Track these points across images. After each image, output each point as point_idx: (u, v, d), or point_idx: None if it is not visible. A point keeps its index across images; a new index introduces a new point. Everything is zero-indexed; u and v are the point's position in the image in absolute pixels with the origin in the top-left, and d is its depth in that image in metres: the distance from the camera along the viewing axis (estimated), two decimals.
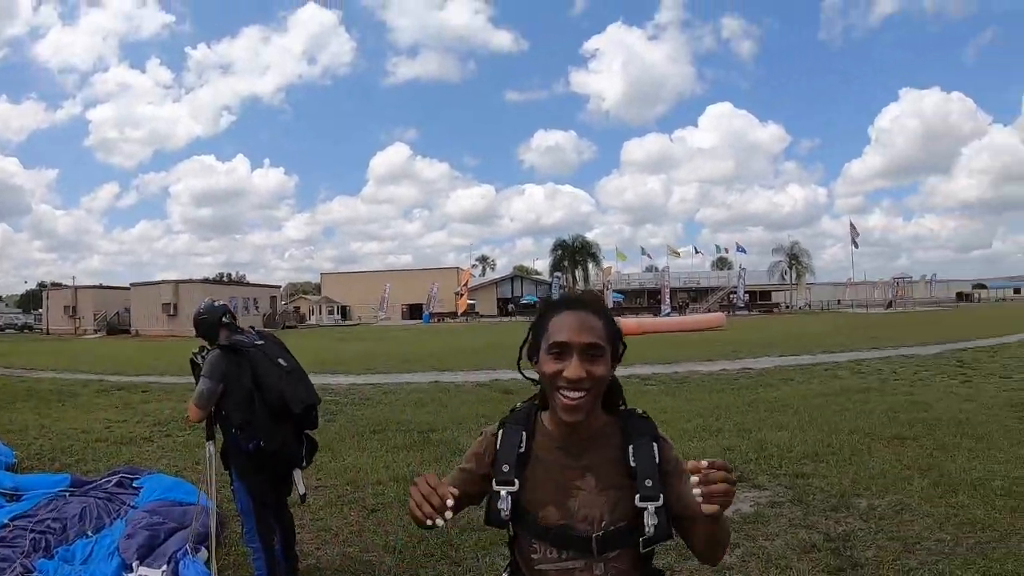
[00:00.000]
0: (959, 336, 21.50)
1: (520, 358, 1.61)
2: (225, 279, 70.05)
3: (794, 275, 68.27)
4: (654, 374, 13.84)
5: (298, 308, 66.44)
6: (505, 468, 1.55)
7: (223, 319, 3.73)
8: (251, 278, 75.74)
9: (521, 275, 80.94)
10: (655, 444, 1.52)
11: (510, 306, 70.33)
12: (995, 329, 24.30)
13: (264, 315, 52.34)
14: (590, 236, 66.95)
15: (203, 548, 3.97)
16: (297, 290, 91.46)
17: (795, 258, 67.77)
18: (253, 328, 3.92)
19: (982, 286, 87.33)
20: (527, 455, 1.56)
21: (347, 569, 4.21)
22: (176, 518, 4.36)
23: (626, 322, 37.06)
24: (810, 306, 72.18)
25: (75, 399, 11.93)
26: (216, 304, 3.82)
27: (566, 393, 1.44)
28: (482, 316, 65.69)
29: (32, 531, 4.24)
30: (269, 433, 3.41)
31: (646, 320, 40.16)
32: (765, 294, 73.40)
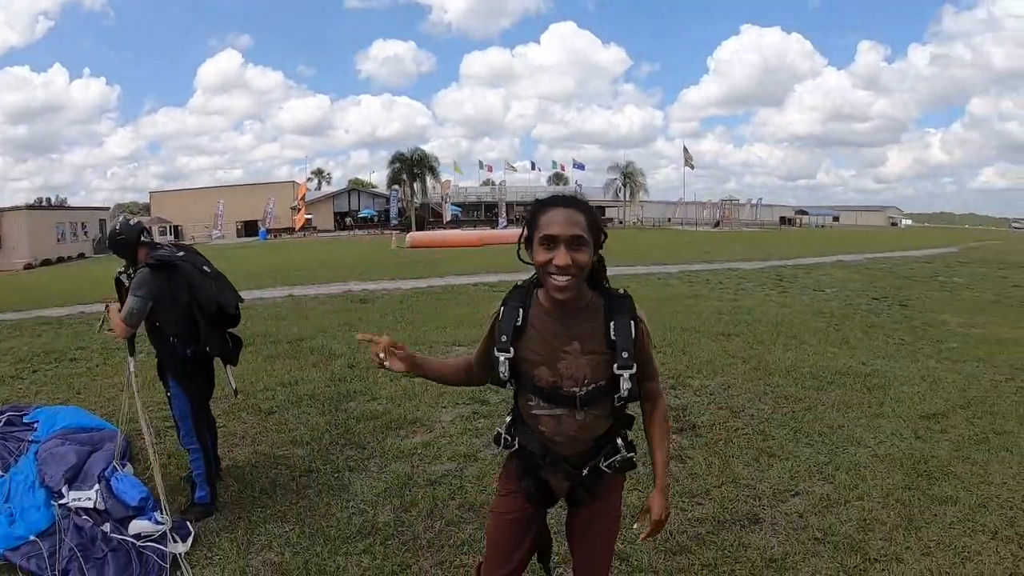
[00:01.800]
0: (780, 255, 24.47)
1: (519, 248, 1.98)
2: (45, 204, 61.93)
3: (628, 192, 72.47)
4: (501, 281, 14.76)
5: None
6: (503, 339, 1.99)
7: (141, 237, 3.94)
8: (72, 201, 67.67)
9: (358, 188, 78.82)
10: (632, 322, 1.94)
11: (348, 220, 68.93)
12: (812, 250, 27.86)
13: (94, 239, 48.09)
14: (427, 149, 66.30)
15: (127, 463, 4.21)
16: (124, 210, 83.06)
17: (630, 176, 71.79)
18: (168, 240, 4.15)
19: (804, 212, 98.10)
20: (523, 327, 1.99)
21: (263, 464, 4.59)
22: (89, 443, 4.46)
23: (468, 235, 38.02)
24: (642, 223, 77.33)
25: None
26: (132, 223, 4.01)
27: (556, 277, 1.84)
28: (319, 231, 64.14)
29: None
30: (208, 338, 3.86)
31: (487, 233, 41.43)
32: (600, 209, 77.33)
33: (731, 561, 3.14)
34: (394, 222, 61.12)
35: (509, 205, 66.43)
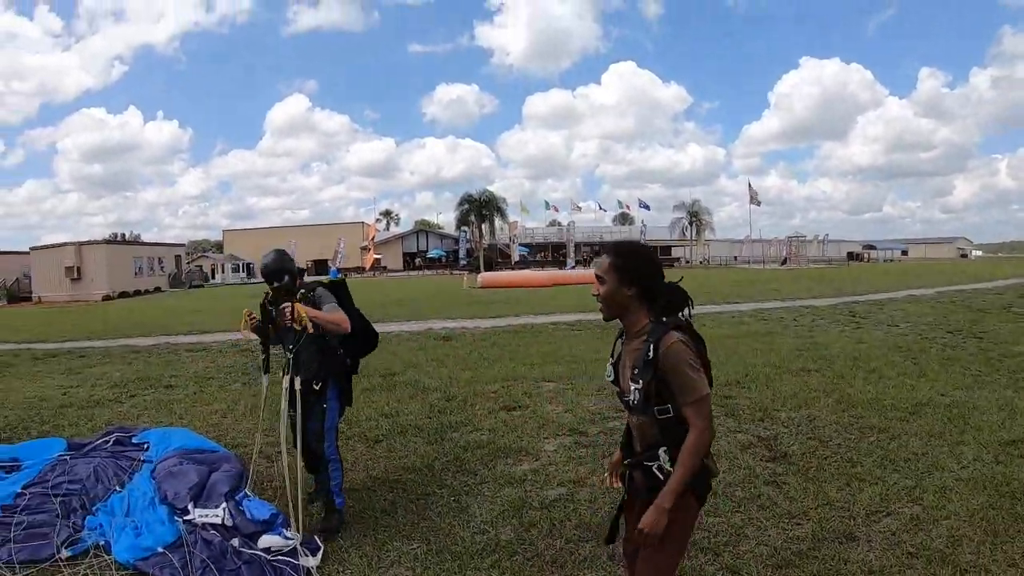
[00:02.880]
0: (851, 291, 24.05)
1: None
2: (120, 239, 66.06)
3: (694, 231, 72.03)
4: (579, 321, 15.00)
5: (200, 267, 64.04)
6: (610, 360, 2.62)
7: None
8: (145, 237, 71.94)
9: (426, 229, 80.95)
10: (651, 345, 2.33)
11: (417, 260, 70.62)
12: (883, 285, 27.28)
13: (170, 275, 50.48)
14: (492, 190, 67.75)
15: (248, 494, 4.40)
16: (197, 247, 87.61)
17: (695, 215, 71.40)
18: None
19: (871, 247, 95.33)
20: (616, 350, 2.60)
21: (379, 488, 4.96)
22: (206, 463, 4.65)
23: (539, 275, 38.57)
24: (708, 261, 76.49)
25: (12, 369, 11.53)
26: (287, 252, 4.52)
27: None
28: (389, 271, 65.74)
29: (55, 495, 4.40)
30: (363, 348, 4.52)
31: (557, 273, 41.92)
32: (665, 249, 76.84)
33: (833, 573, 3.43)
34: (463, 262, 62.01)
35: (577, 245, 66.72)
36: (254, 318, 4.27)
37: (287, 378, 4.18)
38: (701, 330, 8.96)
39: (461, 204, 65.23)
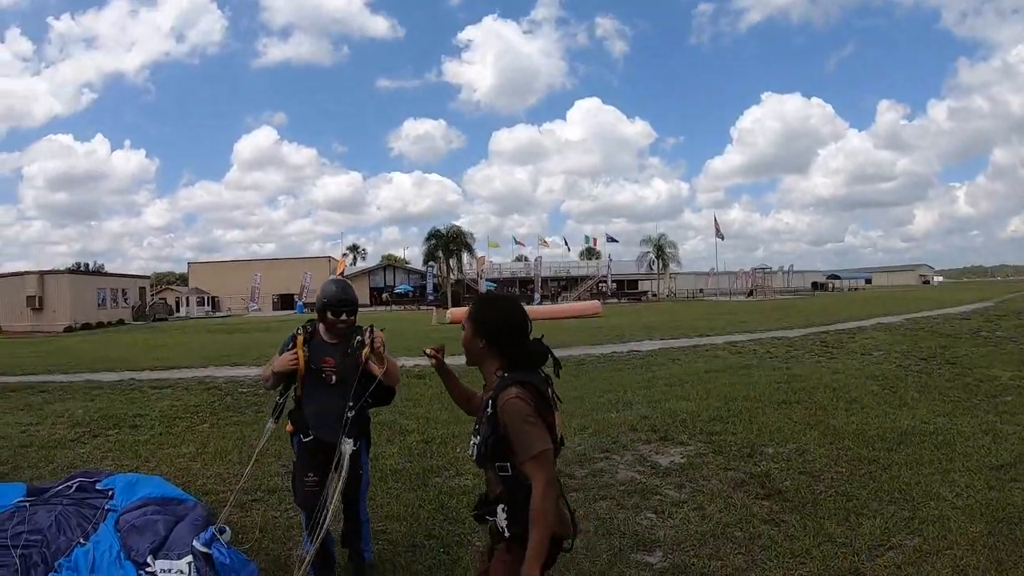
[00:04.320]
0: (819, 321, 24.53)
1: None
2: (83, 269, 64.49)
3: (661, 264, 73.14)
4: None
5: (165, 300, 62.99)
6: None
7: None
8: (109, 268, 70.30)
9: (393, 264, 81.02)
10: (490, 400, 2.35)
11: (384, 295, 70.47)
12: (851, 314, 27.89)
13: (134, 307, 49.18)
14: (458, 225, 68.17)
15: (225, 529, 3.83)
16: (161, 280, 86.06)
17: (662, 248, 72.62)
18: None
19: (836, 276, 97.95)
20: None
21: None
22: (173, 515, 4.30)
23: None
24: (675, 295, 77.60)
25: None
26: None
27: None
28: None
29: (13, 546, 4.05)
30: (385, 397, 3.82)
31: (528, 308, 42.01)
32: (632, 283, 78.08)
33: None
34: (430, 297, 61.91)
35: (544, 280, 67.39)
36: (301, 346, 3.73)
37: (348, 443, 3.57)
38: (677, 364, 9.21)
39: (428, 239, 65.70)
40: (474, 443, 2.38)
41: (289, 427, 3.86)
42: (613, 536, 4.51)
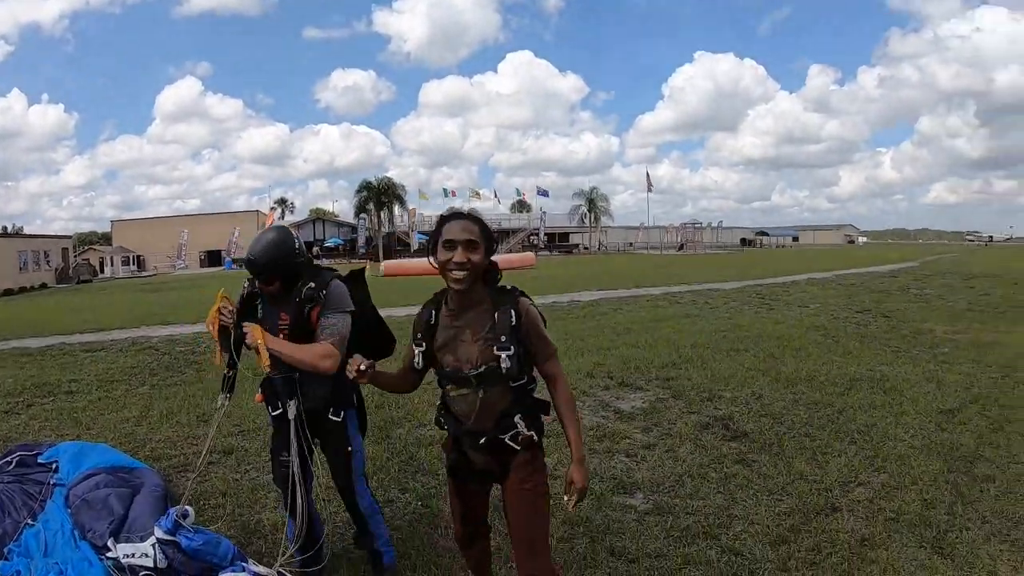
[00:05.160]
0: (752, 275, 25.36)
1: (428, 255, 2.50)
2: (2, 232, 60.40)
3: (592, 218, 73.96)
4: None
5: (88, 260, 59.97)
6: (418, 335, 2.56)
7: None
8: (27, 230, 66.06)
9: (322, 217, 79.32)
10: (512, 310, 2.41)
11: (315, 249, 69.18)
12: (782, 269, 28.97)
13: (56, 269, 46.97)
14: (390, 177, 67.23)
15: (189, 512, 3.33)
16: (83, 240, 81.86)
17: (593, 202, 73.38)
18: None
19: (764, 233, 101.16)
20: (435, 324, 2.53)
21: (335, 497, 4.15)
22: (127, 485, 4.00)
23: None
24: (606, 248, 78.64)
25: None
26: (290, 233, 3.19)
27: (454, 272, 2.35)
28: None
29: None
30: (378, 356, 3.07)
31: None
32: (563, 236, 78.70)
33: (830, 544, 3.61)
34: (361, 251, 61.28)
35: None
36: (230, 311, 3.08)
37: (293, 404, 3.11)
38: (620, 313, 9.42)
39: (360, 191, 64.69)
40: (508, 355, 2.36)
41: (258, 397, 3.31)
42: (592, 480, 4.58)
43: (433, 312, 2.53)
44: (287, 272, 3.03)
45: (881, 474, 4.56)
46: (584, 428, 5.79)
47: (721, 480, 4.54)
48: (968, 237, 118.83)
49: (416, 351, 2.56)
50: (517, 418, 2.45)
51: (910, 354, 8.71)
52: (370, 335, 3.25)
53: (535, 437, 2.47)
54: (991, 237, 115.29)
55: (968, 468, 4.60)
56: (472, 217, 2.44)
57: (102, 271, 59.47)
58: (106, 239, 77.61)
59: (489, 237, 2.44)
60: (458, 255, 2.33)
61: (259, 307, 3.16)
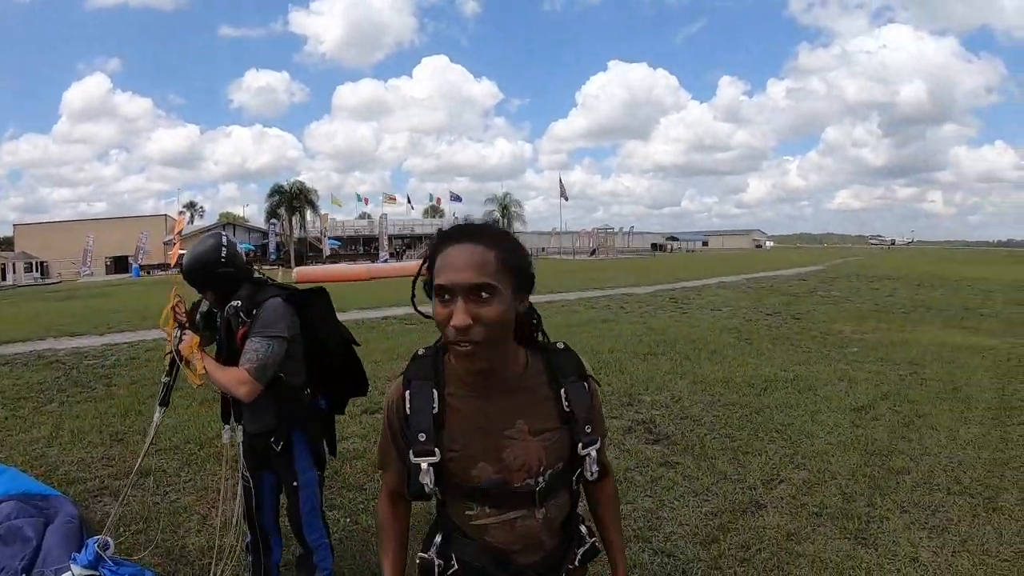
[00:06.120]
0: (665, 279, 26.08)
1: (413, 294, 1.52)
2: None
3: (505, 223, 74.59)
4: (408, 314, 14.82)
5: None
6: (422, 437, 1.46)
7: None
8: None
9: (232, 222, 76.92)
10: (586, 384, 1.56)
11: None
12: (693, 274, 29.91)
13: None
14: (302, 181, 65.94)
15: (110, 544, 3.04)
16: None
17: (507, 208, 74.13)
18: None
19: (674, 238, 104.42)
20: (442, 413, 1.48)
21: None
22: (40, 515, 3.75)
23: (356, 268, 37.69)
24: None
25: None
26: (223, 239, 2.95)
27: (458, 346, 1.36)
28: None
29: None
30: (344, 390, 3.15)
31: (375, 266, 41.55)
32: None
33: (758, 541, 3.71)
34: (272, 257, 59.93)
35: (389, 238, 67.31)
36: (185, 314, 2.96)
37: (227, 430, 3.01)
38: (555, 321, 9.30)
39: (271, 195, 63.38)
40: (595, 449, 1.54)
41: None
42: None
43: (434, 393, 1.49)
44: (210, 283, 2.85)
45: (802, 471, 4.72)
46: None
47: (648, 483, 4.60)
48: (872, 241, 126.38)
49: (423, 464, 1.47)
50: (583, 527, 1.69)
51: (821, 354, 9.11)
52: (332, 366, 3.00)
53: (596, 542, 1.71)
54: (893, 241, 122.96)
55: (884, 462, 4.83)
56: (487, 235, 1.42)
57: (3, 278, 56.03)
58: (8, 244, 73.24)
59: (518, 266, 1.42)
60: (459, 315, 1.33)
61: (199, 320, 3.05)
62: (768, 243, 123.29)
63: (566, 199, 79.91)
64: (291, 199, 62.69)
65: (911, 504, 4.09)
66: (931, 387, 7.08)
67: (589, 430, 1.53)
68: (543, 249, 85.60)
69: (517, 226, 76.80)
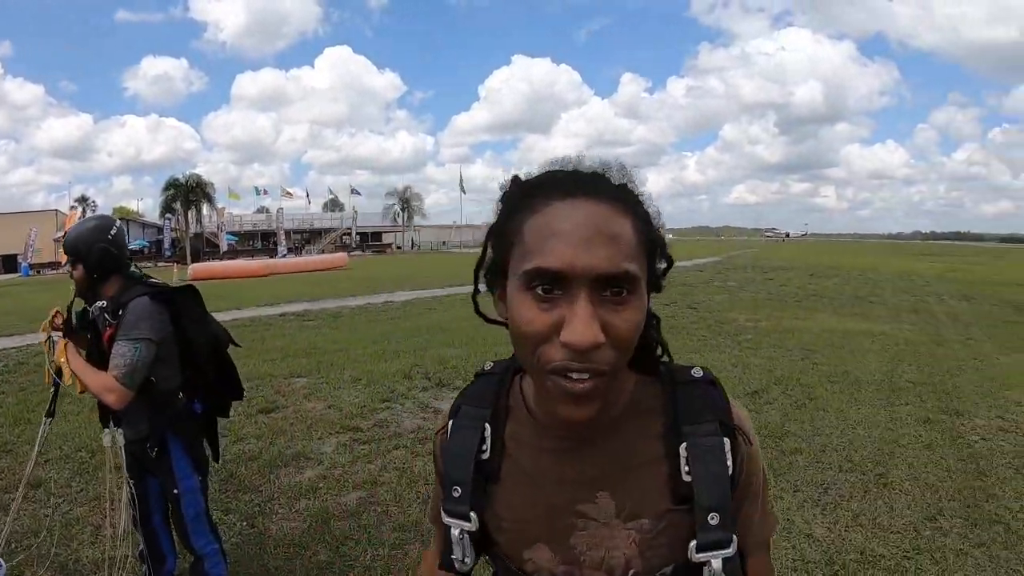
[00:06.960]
0: None
1: (476, 289, 0.93)
2: None
3: (406, 217, 74.08)
4: (306, 311, 14.58)
5: None
6: (456, 492, 0.95)
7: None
8: None
9: (126, 217, 72.88)
10: (727, 440, 0.88)
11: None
12: None
13: None
14: (199, 174, 63.28)
15: (2, 565, 3.12)
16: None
17: (408, 201, 73.62)
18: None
19: None
20: (494, 461, 0.94)
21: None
22: None
23: (252, 264, 36.58)
24: (419, 247, 78.91)
25: None
26: (107, 223, 2.79)
27: (569, 382, 0.75)
28: None
29: None
30: (218, 397, 3.05)
31: (272, 261, 40.53)
32: (376, 235, 78.12)
33: None
34: (167, 254, 57.36)
35: (287, 233, 65.71)
36: (63, 320, 2.80)
37: (108, 433, 2.82)
38: (434, 313, 9.73)
39: (167, 189, 60.42)
40: (727, 557, 0.85)
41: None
42: (418, 484, 4.51)
43: (487, 429, 0.94)
44: (86, 257, 2.66)
45: None
46: (405, 431, 5.69)
47: None
48: (767, 234, 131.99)
49: (454, 530, 0.94)
50: None
51: (715, 342, 9.42)
52: (203, 368, 2.87)
53: None
54: (788, 233, 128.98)
55: (777, 444, 5.02)
56: (618, 191, 0.81)
57: None
58: None
59: (653, 247, 0.83)
60: (582, 324, 0.72)
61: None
62: (668, 236, 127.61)
63: (464, 192, 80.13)
64: (187, 193, 60.19)
65: (804, 483, 4.27)
66: (822, 371, 7.44)
67: (715, 520, 0.83)
68: (444, 243, 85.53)
69: (418, 219, 76.54)
